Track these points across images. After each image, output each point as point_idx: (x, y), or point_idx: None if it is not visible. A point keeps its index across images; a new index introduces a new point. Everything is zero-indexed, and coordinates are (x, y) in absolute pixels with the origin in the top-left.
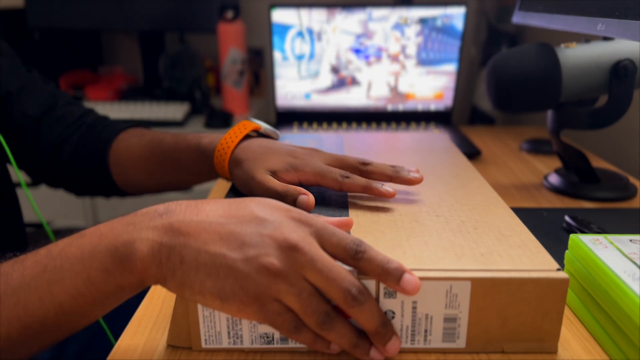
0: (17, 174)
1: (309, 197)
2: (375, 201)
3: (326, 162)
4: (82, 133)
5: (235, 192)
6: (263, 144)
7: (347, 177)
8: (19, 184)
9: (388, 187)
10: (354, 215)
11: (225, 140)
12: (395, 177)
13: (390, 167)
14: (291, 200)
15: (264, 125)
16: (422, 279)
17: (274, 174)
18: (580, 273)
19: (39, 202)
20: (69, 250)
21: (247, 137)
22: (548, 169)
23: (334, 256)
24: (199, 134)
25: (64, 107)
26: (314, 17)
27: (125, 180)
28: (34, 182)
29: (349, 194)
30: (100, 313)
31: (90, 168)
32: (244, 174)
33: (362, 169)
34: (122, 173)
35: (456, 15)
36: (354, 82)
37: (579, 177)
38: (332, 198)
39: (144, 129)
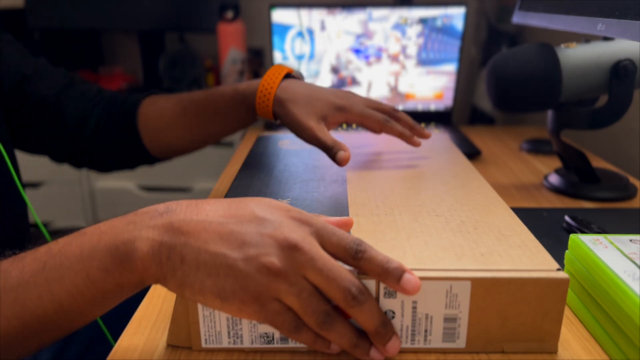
0: (14, 176)
1: (346, 154)
2: (376, 201)
3: (366, 105)
4: (104, 106)
5: (237, 187)
6: (305, 85)
7: (388, 122)
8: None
9: (416, 138)
10: (354, 215)
11: (265, 81)
12: (415, 129)
13: (412, 120)
14: (333, 153)
15: (295, 69)
16: (422, 278)
17: (324, 118)
18: (580, 273)
19: (39, 202)
20: (68, 249)
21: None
22: (548, 169)
23: (334, 256)
24: (229, 84)
25: (81, 84)
26: (314, 17)
27: (156, 143)
28: (58, 162)
29: (349, 192)
30: (99, 312)
31: (119, 136)
32: (294, 117)
33: (394, 114)
34: (153, 136)
35: (456, 15)
36: (354, 82)
37: (579, 177)
38: (333, 197)
39: (166, 93)
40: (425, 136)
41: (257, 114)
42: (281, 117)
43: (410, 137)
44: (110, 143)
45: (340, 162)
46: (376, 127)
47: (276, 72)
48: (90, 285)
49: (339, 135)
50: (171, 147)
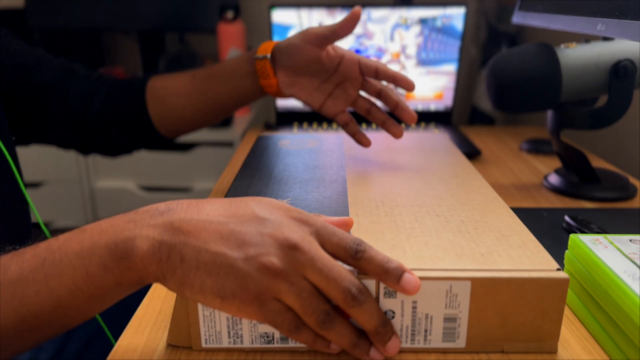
0: (16, 175)
1: (356, 9)
2: (376, 201)
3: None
4: (108, 86)
5: (237, 186)
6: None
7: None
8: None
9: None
10: (354, 215)
11: (263, 44)
12: (398, 80)
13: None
14: (342, 24)
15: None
16: (422, 278)
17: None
18: (580, 273)
19: (39, 202)
20: (68, 245)
21: None
22: (548, 169)
23: (334, 256)
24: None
25: (83, 69)
26: (314, 17)
27: (165, 117)
28: (66, 148)
29: (349, 192)
30: (97, 309)
31: (126, 115)
32: (292, 40)
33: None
34: (161, 109)
35: (456, 15)
36: None
37: (579, 177)
38: (333, 197)
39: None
40: (411, 87)
41: (257, 74)
42: (280, 57)
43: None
44: (117, 122)
45: (353, 17)
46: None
47: (269, 42)
48: (89, 282)
49: (339, 135)
50: (181, 119)
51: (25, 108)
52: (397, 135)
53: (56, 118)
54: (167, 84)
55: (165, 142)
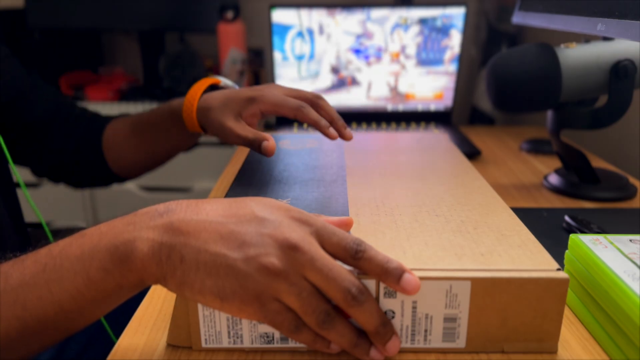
0: (16, 175)
1: (269, 142)
2: (376, 201)
3: (284, 93)
4: (81, 128)
5: (237, 186)
6: (225, 92)
7: (303, 107)
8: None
9: (333, 130)
10: (354, 215)
11: (189, 94)
12: (336, 122)
13: (335, 113)
14: (257, 145)
15: (223, 80)
16: (422, 278)
17: (239, 113)
18: (580, 273)
19: (39, 202)
20: (69, 250)
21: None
22: (548, 169)
23: (334, 256)
24: (172, 100)
25: (68, 106)
26: (314, 17)
27: (118, 163)
28: (38, 176)
29: (349, 192)
30: (100, 313)
31: (89, 158)
32: (214, 122)
33: (315, 102)
34: (114, 156)
35: (456, 15)
36: (354, 82)
37: (579, 177)
38: (333, 197)
39: (129, 115)
40: (345, 136)
41: (188, 129)
42: (206, 127)
43: (326, 128)
44: (82, 164)
45: (266, 153)
46: (290, 114)
47: (199, 85)
48: (91, 285)
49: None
50: (130, 166)
51: (9, 132)
52: (332, 135)
53: (33, 151)
54: (116, 132)
55: (122, 181)
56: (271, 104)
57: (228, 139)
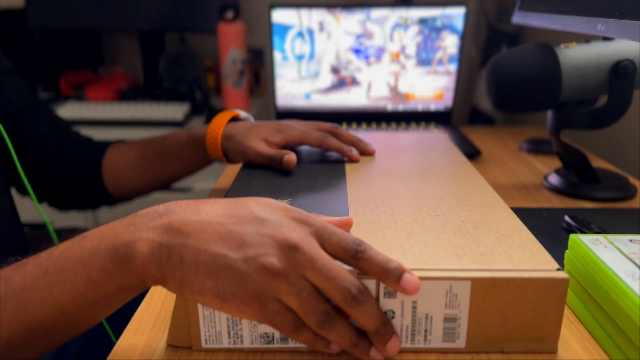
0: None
1: (290, 156)
2: (376, 201)
3: (306, 126)
4: (77, 150)
5: (237, 187)
6: (249, 123)
7: (326, 137)
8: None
9: (355, 151)
10: (354, 215)
11: (214, 124)
12: (356, 143)
13: (354, 136)
14: (279, 160)
15: (242, 113)
16: (422, 278)
17: (264, 140)
18: (580, 273)
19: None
20: (69, 252)
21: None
22: (548, 169)
23: (334, 256)
24: (184, 129)
25: (64, 128)
26: (314, 17)
27: (118, 186)
28: (22, 195)
29: (348, 192)
30: (102, 315)
31: (84, 180)
32: (238, 145)
33: (335, 131)
34: (115, 179)
35: (456, 15)
36: (354, 82)
37: (579, 177)
38: (333, 198)
39: (131, 141)
40: (368, 152)
41: (208, 154)
42: (228, 150)
43: (349, 152)
44: (76, 186)
45: (287, 167)
46: (314, 143)
47: (223, 116)
48: (92, 287)
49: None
50: (131, 189)
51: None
52: (354, 158)
53: (26, 169)
54: (120, 155)
55: (113, 203)
56: (297, 134)
57: (250, 158)
